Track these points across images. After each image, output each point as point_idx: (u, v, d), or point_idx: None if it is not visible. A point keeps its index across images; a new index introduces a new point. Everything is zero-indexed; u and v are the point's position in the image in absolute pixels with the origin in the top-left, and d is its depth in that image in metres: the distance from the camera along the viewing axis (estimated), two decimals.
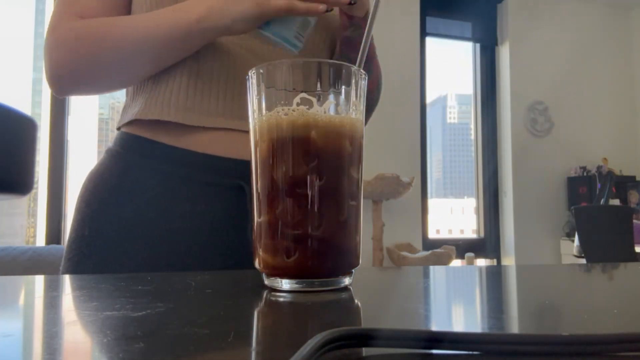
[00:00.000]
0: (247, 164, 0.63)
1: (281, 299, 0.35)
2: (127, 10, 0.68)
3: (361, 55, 0.42)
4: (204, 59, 0.64)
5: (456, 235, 3.92)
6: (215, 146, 0.63)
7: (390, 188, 2.93)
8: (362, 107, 0.41)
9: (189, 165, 0.62)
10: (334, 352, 0.21)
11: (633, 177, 3.68)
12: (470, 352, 0.22)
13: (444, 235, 3.82)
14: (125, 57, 0.60)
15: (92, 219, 0.62)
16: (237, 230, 0.62)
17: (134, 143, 0.64)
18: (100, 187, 0.63)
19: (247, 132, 0.53)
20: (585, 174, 3.62)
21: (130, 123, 0.65)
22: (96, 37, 0.60)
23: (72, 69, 0.62)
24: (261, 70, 0.39)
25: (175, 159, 0.62)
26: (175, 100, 0.63)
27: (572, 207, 2.85)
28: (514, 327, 0.29)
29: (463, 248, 3.43)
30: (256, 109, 0.39)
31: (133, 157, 0.63)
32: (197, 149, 0.63)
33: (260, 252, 0.39)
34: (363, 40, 0.42)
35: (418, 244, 3.32)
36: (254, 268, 0.40)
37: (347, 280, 0.39)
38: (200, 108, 0.63)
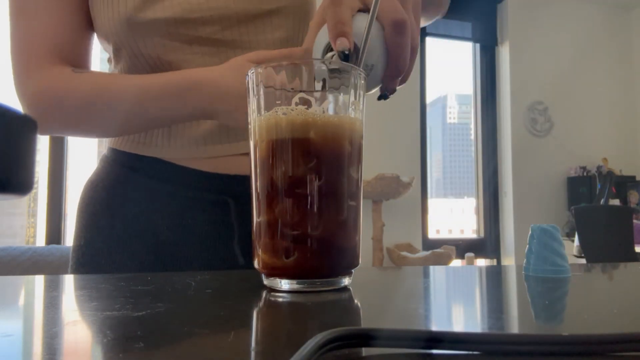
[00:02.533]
0: (233, 178, 0.63)
1: (281, 299, 0.35)
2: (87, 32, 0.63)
3: (361, 54, 0.42)
4: None
5: (456, 235, 3.92)
6: (200, 162, 0.63)
7: (390, 188, 2.93)
8: (362, 106, 0.41)
9: (173, 181, 0.63)
10: (334, 352, 0.21)
11: (633, 177, 3.68)
12: (470, 352, 0.22)
13: (444, 235, 3.82)
14: (113, 125, 0.59)
15: (86, 229, 0.65)
16: (223, 243, 0.63)
17: (123, 155, 0.66)
18: (93, 199, 0.66)
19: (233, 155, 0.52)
20: (585, 174, 3.62)
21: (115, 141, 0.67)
22: (82, 110, 0.57)
23: (53, 131, 0.62)
24: (260, 70, 0.39)
25: (160, 175, 0.63)
26: (155, 139, 0.63)
27: (572, 207, 2.85)
28: (514, 327, 0.29)
29: (463, 248, 3.43)
30: (255, 108, 0.39)
31: (122, 169, 0.65)
32: (181, 163, 0.63)
33: (260, 252, 0.39)
34: (363, 39, 0.42)
35: (418, 244, 3.32)
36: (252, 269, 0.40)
37: (347, 280, 0.39)
38: (181, 142, 0.63)
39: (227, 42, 0.61)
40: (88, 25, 0.63)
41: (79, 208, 0.67)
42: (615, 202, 3.43)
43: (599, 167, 3.59)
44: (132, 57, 0.60)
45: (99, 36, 0.63)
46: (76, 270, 0.64)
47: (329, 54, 0.45)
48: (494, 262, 3.70)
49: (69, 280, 0.46)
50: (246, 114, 0.42)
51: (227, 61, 0.56)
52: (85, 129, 0.62)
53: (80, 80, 0.57)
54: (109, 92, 0.56)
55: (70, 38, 0.61)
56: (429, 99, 3.62)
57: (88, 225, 0.65)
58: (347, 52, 0.41)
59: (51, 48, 0.59)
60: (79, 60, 0.63)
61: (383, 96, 0.48)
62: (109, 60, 0.68)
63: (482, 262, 3.68)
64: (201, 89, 0.53)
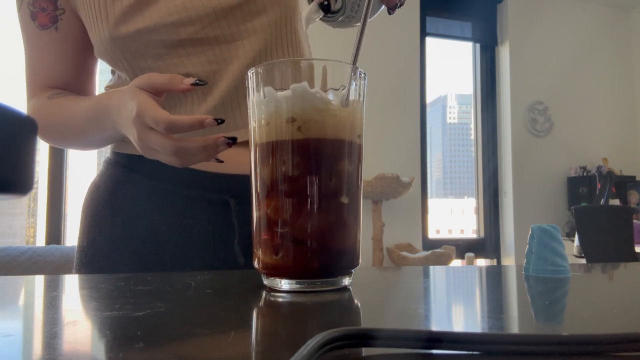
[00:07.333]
0: (233, 178, 0.63)
1: (281, 299, 0.35)
2: (88, 64, 0.70)
3: (356, 52, 0.41)
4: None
5: (456, 235, 3.92)
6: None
7: (390, 188, 2.92)
8: (362, 106, 0.41)
9: (174, 181, 0.63)
10: (334, 352, 0.21)
11: (633, 177, 3.67)
12: (470, 352, 0.22)
13: (444, 235, 3.82)
14: (75, 146, 0.69)
15: (88, 230, 0.66)
16: (224, 243, 0.63)
17: (124, 157, 0.66)
18: (95, 200, 0.67)
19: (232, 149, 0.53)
20: (585, 174, 3.62)
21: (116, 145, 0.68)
22: (52, 131, 0.66)
23: (46, 141, 0.69)
24: (260, 70, 0.39)
25: (160, 175, 0.63)
26: None
27: (572, 207, 2.85)
28: (514, 327, 0.29)
29: (463, 248, 3.42)
30: (255, 108, 0.39)
31: (123, 171, 0.66)
32: None
33: (260, 252, 0.39)
34: (357, 37, 0.42)
35: (418, 244, 3.32)
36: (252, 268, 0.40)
37: (347, 280, 0.39)
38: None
39: (210, 39, 0.61)
40: (87, 51, 0.68)
41: (82, 210, 0.68)
42: (615, 202, 3.43)
43: (599, 167, 3.58)
44: (122, 70, 0.64)
45: (98, 57, 0.67)
46: (79, 271, 0.65)
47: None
48: (494, 262, 3.70)
49: (68, 280, 0.46)
50: (134, 135, 0.49)
51: (215, 59, 0.61)
52: (62, 144, 0.70)
53: (49, 106, 0.65)
54: (65, 116, 0.64)
55: (66, 66, 0.68)
56: (429, 99, 3.62)
57: (90, 226, 0.66)
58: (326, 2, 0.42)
59: (44, 78, 0.68)
60: (75, 82, 0.69)
61: (395, 8, 0.47)
62: (112, 71, 0.70)
63: (482, 262, 3.68)
64: (108, 113, 0.57)
